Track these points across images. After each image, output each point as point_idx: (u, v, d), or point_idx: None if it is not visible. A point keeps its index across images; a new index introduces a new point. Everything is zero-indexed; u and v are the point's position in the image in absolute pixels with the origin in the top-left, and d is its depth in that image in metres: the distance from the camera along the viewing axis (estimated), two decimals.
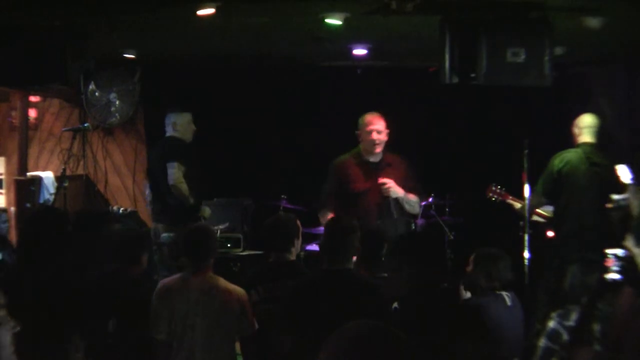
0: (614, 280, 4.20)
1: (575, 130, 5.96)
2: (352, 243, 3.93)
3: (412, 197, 5.64)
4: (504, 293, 4.30)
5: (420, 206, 5.79)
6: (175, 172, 5.92)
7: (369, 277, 4.27)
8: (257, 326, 4.07)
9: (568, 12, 5.05)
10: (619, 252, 4.37)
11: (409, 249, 3.98)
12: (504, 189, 6.08)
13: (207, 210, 6.27)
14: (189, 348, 3.98)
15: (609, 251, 4.41)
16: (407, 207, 5.63)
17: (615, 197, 5.40)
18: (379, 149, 5.61)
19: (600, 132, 5.95)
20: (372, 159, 5.66)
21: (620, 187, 5.59)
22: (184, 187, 5.94)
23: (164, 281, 4.32)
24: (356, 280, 3.93)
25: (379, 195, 5.51)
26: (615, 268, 4.33)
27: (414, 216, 5.87)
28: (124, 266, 4.30)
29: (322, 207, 5.74)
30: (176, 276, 4.21)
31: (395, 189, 5.51)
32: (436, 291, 3.84)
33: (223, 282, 4.10)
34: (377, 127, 5.59)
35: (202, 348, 3.99)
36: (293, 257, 4.47)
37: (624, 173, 5.37)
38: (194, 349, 3.98)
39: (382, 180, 5.49)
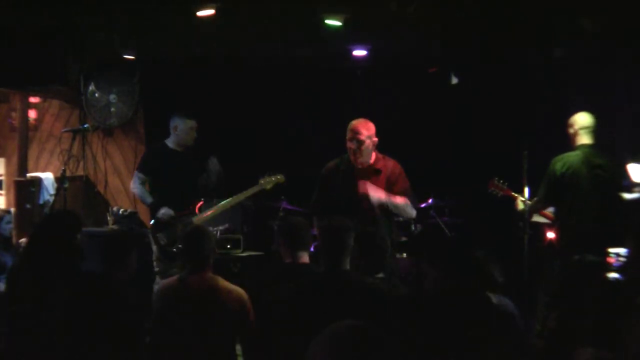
0: (615, 280, 4.20)
1: (571, 131, 5.87)
2: (347, 243, 3.92)
3: (399, 200, 5.36)
4: (502, 298, 4.28)
5: (413, 209, 5.59)
6: (132, 178, 6.36)
7: (366, 278, 4.24)
8: (258, 327, 4.06)
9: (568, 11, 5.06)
10: (622, 251, 4.36)
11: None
12: (506, 183, 6.06)
13: (200, 218, 6.23)
14: (190, 349, 3.97)
15: (611, 250, 4.39)
16: (394, 210, 5.37)
17: (627, 196, 5.38)
18: (360, 159, 5.36)
19: (599, 132, 5.91)
20: (360, 165, 5.42)
21: (623, 188, 5.58)
22: (136, 192, 6.31)
23: (164, 281, 4.31)
24: (354, 281, 3.92)
25: (364, 202, 5.27)
26: (616, 267, 4.32)
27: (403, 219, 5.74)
28: (109, 271, 4.00)
29: (313, 214, 5.66)
30: (176, 277, 4.20)
31: (373, 196, 5.26)
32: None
33: (223, 282, 4.09)
34: (357, 137, 5.33)
35: (202, 349, 3.98)
36: (307, 260, 4.42)
37: (634, 172, 5.34)
38: (194, 349, 3.97)
39: (361, 189, 5.28)
